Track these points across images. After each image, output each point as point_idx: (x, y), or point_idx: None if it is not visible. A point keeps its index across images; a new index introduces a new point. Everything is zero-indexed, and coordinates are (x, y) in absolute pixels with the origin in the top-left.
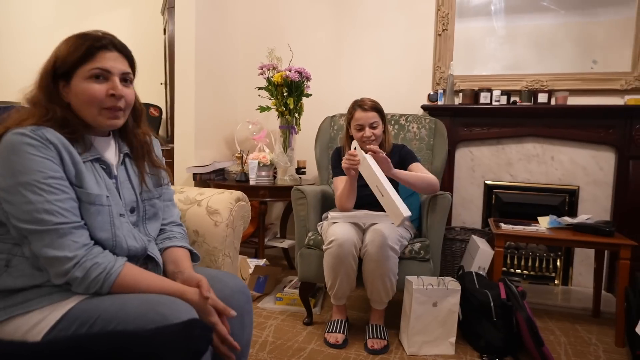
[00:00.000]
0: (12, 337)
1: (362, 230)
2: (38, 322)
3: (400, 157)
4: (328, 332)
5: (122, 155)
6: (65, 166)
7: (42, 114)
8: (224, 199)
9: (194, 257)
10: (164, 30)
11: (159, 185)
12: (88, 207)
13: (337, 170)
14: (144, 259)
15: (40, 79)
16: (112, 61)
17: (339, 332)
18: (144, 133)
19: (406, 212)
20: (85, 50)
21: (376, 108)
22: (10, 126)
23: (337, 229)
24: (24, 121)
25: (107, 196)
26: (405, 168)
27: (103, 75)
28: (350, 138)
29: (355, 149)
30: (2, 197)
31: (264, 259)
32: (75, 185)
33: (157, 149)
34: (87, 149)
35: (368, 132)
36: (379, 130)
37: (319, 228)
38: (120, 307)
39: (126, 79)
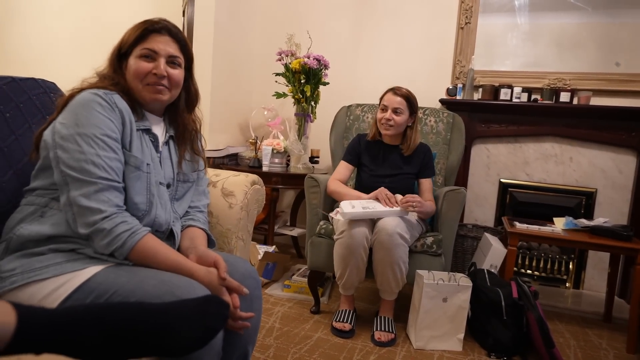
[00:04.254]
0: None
1: (373, 221)
2: (53, 290)
3: (421, 163)
4: (335, 321)
5: (167, 135)
6: (125, 130)
7: (110, 81)
8: (239, 182)
9: (210, 242)
10: (183, 12)
11: (194, 170)
12: (132, 170)
13: (349, 157)
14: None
15: (109, 57)
16: (161, 44)
17: (346, 322)
18: (193, 120)
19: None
20: (141, 32)
21: (407, 97)
22: (85, 88)
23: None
24: (98, 83)
25: (148, 164)
26: (419, 176)
27: (151, 56)
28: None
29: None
30: (59, 143)
31: (274, 246)
32: (125, 148)
33: (200, 139)
34: (141, 118)
35: (389, 114)
36: (400, 118)
37: (330, 218)
38: (137, 284)
39: (174, 62)
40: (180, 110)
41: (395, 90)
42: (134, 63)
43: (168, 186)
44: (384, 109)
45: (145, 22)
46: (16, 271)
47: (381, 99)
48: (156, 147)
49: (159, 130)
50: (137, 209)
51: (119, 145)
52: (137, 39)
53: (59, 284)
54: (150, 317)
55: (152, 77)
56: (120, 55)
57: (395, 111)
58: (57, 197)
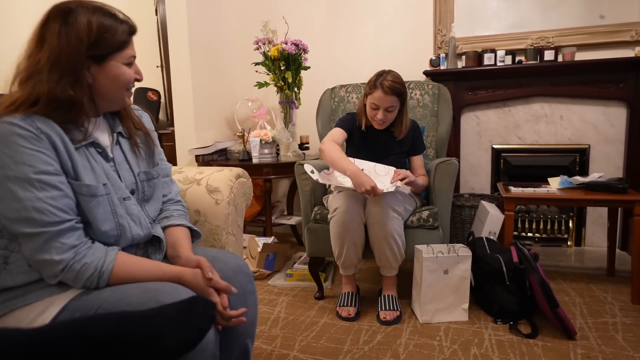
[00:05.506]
0: None
1: (365, 197)
2: (39, 314)
3: (412, 140)
4: (339, 305)
5: (115, 135)
6: (61, 157)
7: (32, 95)
8: (223, 177)
9: (194, 234)
10: (156, 11)
11: (155, 164)
12: (88, 200)
13: (344, 125)
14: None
15: (66, 59)
16: (133, 46)
17: (351, 305)
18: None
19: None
20: (127, 37)
21: (398, 92)
22: None
23: (341, 197)
24: (11, 107)
25: (104, 184)
26: (410, 153)
27: (131, 62)
28: (365, 107)
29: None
30: None
31: (272, 237)
32: (71, 178)
33: (148, 122)
34: (85, 137)
35: (381, 115)
36: (393, 115)
37: (324, 202)
38: (120, 297)
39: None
40: None
41: (384, 89)
42: (122, 70)
43: (132, 192)
44: (375, 107)
45: (121, 21)
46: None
47: (370, 92)
48: (105, 157)
49: (105, 133)
50: (107, 237)
51: (61, 177)
52: (123, 44)
53: (43, 308)
54: (134, 326)
55: (134, 82)
56: (88, 56)
57: (387, 109)
58: (16, 238)
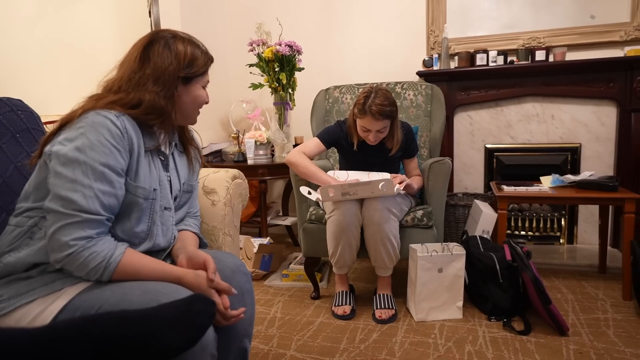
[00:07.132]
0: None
1: (362, 199)
2: (40, 312)
3: (405, 145)
4: (335, 305)
5: (173, 144)
6: (132, 158)
7: (135, 99)
8: (220, 178)
9: (202, 245)
10: (149, 12)
11: (195, 179)
12: (141, 202)
13: (326, 137)
14: None
15: (167, 76)
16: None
17: (346, 304)
18: None
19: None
20: (208, 65)
21: (387, 114)
22: (97, 107)
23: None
24: (111, 104)
25: (155, 189)
26: (404, 157)
27: (206, 86)
28: (355, 121)
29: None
30: (54, 168)
31: (268, 238)
32: (130, 179)
33: (198, 141)
34: (156, 144)
35: (373, 137)
36: (384, 134)
37: (320, 202)
38: (121, 297)
39: None
40: None
41: (375, 115)
42: (201, 93)
43: (175, 199)
44: (367, 130)
45: (205, 53)
46: (3, 297)
47: (358, 116)
48: (165, 166)
49: (166, 143)
50: (134, 237)
51: (120, 178)
52: (205, 71)
53: (45, 306)
54: (135, 325)
55: (203, 104)
56: (179, 77)
57: (379, 131)
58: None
